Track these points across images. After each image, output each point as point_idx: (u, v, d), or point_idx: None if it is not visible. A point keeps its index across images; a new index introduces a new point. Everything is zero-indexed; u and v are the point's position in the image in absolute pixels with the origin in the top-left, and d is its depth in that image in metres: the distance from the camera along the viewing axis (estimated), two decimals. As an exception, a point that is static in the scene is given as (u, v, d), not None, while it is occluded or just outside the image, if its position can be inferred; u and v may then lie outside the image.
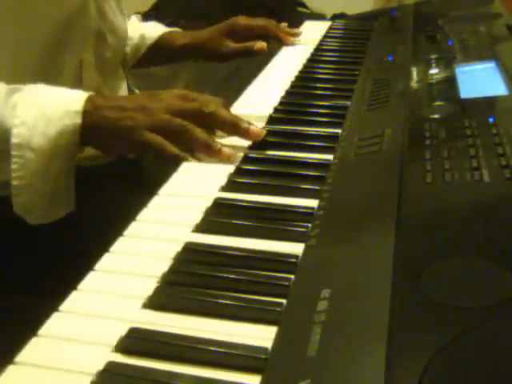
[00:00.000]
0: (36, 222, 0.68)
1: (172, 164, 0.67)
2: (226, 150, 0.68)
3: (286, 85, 0.92)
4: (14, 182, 0.65)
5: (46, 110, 0.65)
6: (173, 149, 0.67)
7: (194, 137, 0.67)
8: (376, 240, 0.49)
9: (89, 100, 0.67)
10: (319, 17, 2.37)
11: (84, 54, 0.82)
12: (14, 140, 0.64)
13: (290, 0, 2.50)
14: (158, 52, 1.08)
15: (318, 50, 1.10)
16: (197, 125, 0.68)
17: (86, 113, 0.66)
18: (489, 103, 0.71)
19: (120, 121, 0.67)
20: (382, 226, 0.51)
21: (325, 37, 1.19)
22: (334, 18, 1.97)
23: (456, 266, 0.44)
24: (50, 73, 0.78)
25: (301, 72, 0.98)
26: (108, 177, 0.87)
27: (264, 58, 1.07)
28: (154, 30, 1.10)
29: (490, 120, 0.64)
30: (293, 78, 0.95)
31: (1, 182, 0.67)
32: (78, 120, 0.65)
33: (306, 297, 0.44)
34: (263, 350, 0.40)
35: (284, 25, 1.18)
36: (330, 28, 1.26)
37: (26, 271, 0.73)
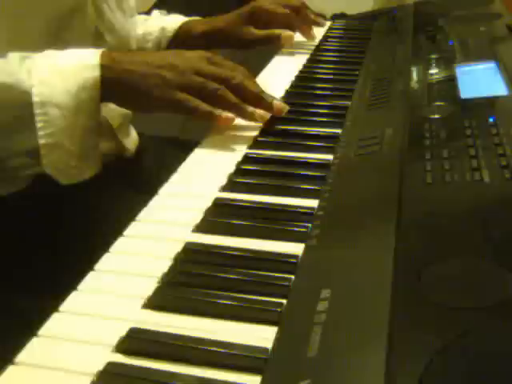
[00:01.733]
0: (67, 182, 0.68)
1: (171, 164, 0.67)
2: (258, 111, 0.70)
3: (286, 85, 0.92)
4: (42, 141, 0.64)
5: (62, 67, 0.65)
6: (207, 107, 0.68)
7: (228, 101, 0.69)
8: (376, 240, 0.49)
9: (104, 54, 0.67)
10: (319, 17, 2.36)
11: None
12: (36, 99, 0.63)
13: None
14: (178, 43, 1.06)
15: (318, 49, 1.10)
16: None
17: (104, 66, 0.66)
18: (489, 103, 0.71)
19: (147, 77, 0.67)
20: (381, 226, 0.51)
21: (325, 37, 1.19)
22: (334, 18, 1.97)
23: (456, 266, 0.44)
24: None
25: (301, 72, 0.98)
26: (108, 177, 0.87)
27: (264, 58, 1.06)
28: (175, 21, 1.08)
29: (490, 120, 0.64)
30: (293, 78, 0.95)
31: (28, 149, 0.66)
32: (97, 73, 0.65)
33: (306, 297, 0.44)
34: (263, 350, 0.40)
35: (311, 15, 1.14)
36: (330, 28, 1.26)
37: (26, 271, 0.73)
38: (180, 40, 1.06)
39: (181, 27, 1.07)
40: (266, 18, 1.05)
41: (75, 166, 0.67)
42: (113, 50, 0.72)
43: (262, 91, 0.74)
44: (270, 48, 1.08)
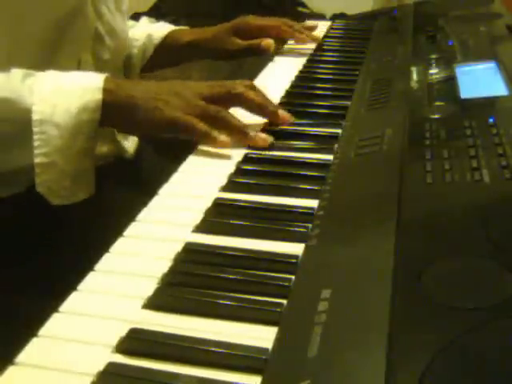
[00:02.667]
0: (58, 203, 0.68)
1: (171, 164, 0.67)
2: (260, 135, 0.70)
3: (286, 85, 0.92)
4: (37, 160, 0.64)
5: (65, 88, 0.65)
6: (204, 127, 0.68)
7: (230, 123, 0.70)
8: (376, 240, 0.49)
9: (108, 79, 0.68)
10: (319, 17, 2.37)
11: (82, 55, 0.82)
12: (36, 117, 0.63)
13: (290, 0, 2.51)
14: (165, 51, 1.06)
15: (318, 50, 1.10)
16: (227, 108, 0.70)
17: (107, 90, 0.66)
18: (489, 103, 0.71)
19: (150, 100, 0.68)
20: (382, 226, 0.51)
21: (325, 37, 1.19)
22: (334, 17, 1.97)
23: (456, 266, 0.44)
24: None
25: (301, 72, 0.98)
26: (108, 177, 0.87)
27: (264, 58, 1.06)
28: (162, 28, 1.08)
29: (490, 120, 0.64)
30: (293, 78, 0.95)
31: (14, 168, 0.66)
32: (100, 96, 0.65)
33: (307, 297, 0.44)
34: (263, 350, 0.40)
35: (301, 24, 1.15)
36: (330, 28, 1.26)
37: (26, 271, 0.73)
38: (166, 48, 1.07)
39: (168, 36, 1.07)
40: (251, 32, 1.06)
41: (68, 187, 0.67)
42: (116, 77, 0.73)
43: (266, 99, 0.74)
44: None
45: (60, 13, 0.77)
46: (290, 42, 1.13)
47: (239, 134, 0.70)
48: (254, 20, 1.08)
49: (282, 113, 0.75)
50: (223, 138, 0.69)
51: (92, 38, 0.84)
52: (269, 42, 1.03)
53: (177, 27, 1.10)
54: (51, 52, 0.77)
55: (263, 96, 0.75)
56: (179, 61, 1.11)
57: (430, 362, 0.35)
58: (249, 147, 0.70)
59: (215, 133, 0.69)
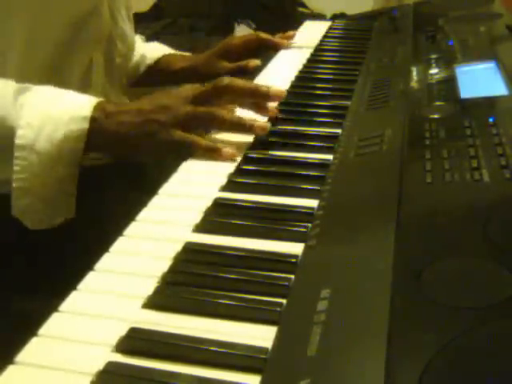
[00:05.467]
0: (34, 227, 0.68)
1: (171, 164, 0.67)
2: (258, 123, 0.70)
3: (286, 85, 0.92)
4: (15, 185, 0.64)
5: (53, 113, 0.65)
6: (208, 143, 0.68)
7: (224, 119, 0.69)
8: (376, 240, 0.49)
9: (98, 106, 0.67)
10: (319, 17, 2.37)
11: (94, 56, 0.83)
12: (18, 141, 0.63)
13: (290, 0, 2.51)
14: (156, 73, 1.09)
15: (318, 50, 1.10)
16: (219, 104, 0.70)
17: (95, 119, 0.66)
18: (489, 103, 0.71)
19: (143, 125, 0.67)
20: (381, 226, 0.51)
21: (325, 37, 1.19)
22: (334, 18, 1.97)
23: (456, 266, 0.44)
24: (58, 73, 0.78)
25: (301, 72, 0.98)
26: (108, 177, 0.87)
27: (264, 59, 1.06)
28: (156, 50, 1.11)
29: (490, 120, 0.64)
30: (293, 78, 0.95)
31: (1, 180, 0.66)
32: (86, 125, 0.65)
33: (306, 297, 0.44)
34: (263, 350, 0.40)
35: (278, 35, 1.17)
36: (330, 28, 1.26)
37: (26, 271, 0.73)
38: (157, 71, 1.09)
39: (161, 59, 1.10)
40: (237, 50, 1.08)
41: (45, 213, 0.67)
42: (109, 101, 0.72)
43: (255, 84, 0.74)
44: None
45: (76, 13, 0.77)
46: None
47: (236, 126, 0.70)
48: (236, 40, 1.11)
49: (274, 89, 0.74)
50: (227, 149, 0.68)
51: (106, 41, 0.84)
52: (255, 62, 1.06)
53: (171, 51, 1.13)
54: (65, 52, 0.78)
55: (250, 82, 0.75)
56: (167, 83, 1.13)
57: (430, 362, 0.35)
58: (249, 147, 0.70)
59: (219, 145, 0.68)
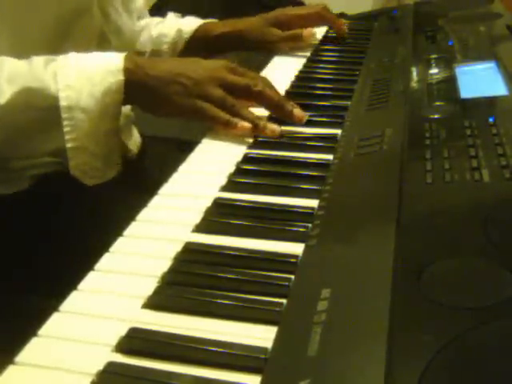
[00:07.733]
0: (92, 183, 0.69)
1: (173, 164, 0.67)
2: (270, 126, 0.71)
3: (286, 85, 0.92)
4: (68, 145, 0.65)
5: (87, 71, 0.66)
6: (224, 116, 0.69)
7: (244, 116, 0.71)
8: (376, 240, 0.49)
9: (127, 57, 0.68)
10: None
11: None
12: (63, 103, 0.65)
13: (290, 0, 2.50)
14: (196, 44, 1.06)
15: (318, 50, 1.10)
16: (243, 99, 0.72)
17: (127, 70, 0.67)
18: (489, 103, 0.71)
19: (170, 84, 0.69)
20: (381, 226, 0.51)
21: (325, 37, 1.19)
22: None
23: (456, 266, 0.44)
24: None
25: (301, 72, 0.98)
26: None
27: (264, 58, 1.06)
28: (192, 22, 1.08)
29: (490, 120, 0.64)
30: (293, 78, 0.95)
31: (58, 149, 0.67)
32: (121, 77, 0.66)
33: (306, 297, 0.44)
34: (263, 350, 0.40)
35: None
36: (330, 28, 1.26)
37: (26, 271, 0.73)
38: (197, 42, 1.06)
39: (198, 29, 1.07)
40: (290, 22, 1.07)
41: (99, 168, 0.69)
42: (133, 54, 0.73)
43: (283, 99, 0.75)
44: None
45: (65, 11, 0.77)
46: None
47: (250, 124, 0.71)
48: (291, 11, 1.09)
49: (298, 112, 0.74)
50: (242, 123, 0.70)
51: (97, 38, 0.84)
52: (310, 31, 1.06)
53: (207, 20, 1.10)
54: (55, 50, 0.77)
55: (280, 94, 0.76)
56: (211, 53, 1.08)
57: (430, 362, 0.35)
58: (249, 147, 0.70)
59: (235, 119, 0.70)
